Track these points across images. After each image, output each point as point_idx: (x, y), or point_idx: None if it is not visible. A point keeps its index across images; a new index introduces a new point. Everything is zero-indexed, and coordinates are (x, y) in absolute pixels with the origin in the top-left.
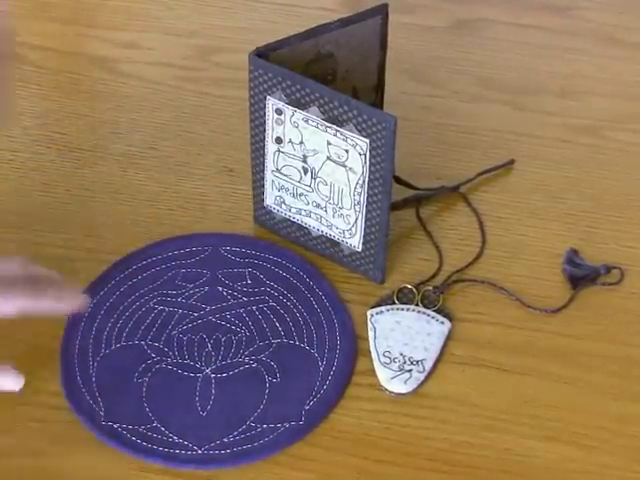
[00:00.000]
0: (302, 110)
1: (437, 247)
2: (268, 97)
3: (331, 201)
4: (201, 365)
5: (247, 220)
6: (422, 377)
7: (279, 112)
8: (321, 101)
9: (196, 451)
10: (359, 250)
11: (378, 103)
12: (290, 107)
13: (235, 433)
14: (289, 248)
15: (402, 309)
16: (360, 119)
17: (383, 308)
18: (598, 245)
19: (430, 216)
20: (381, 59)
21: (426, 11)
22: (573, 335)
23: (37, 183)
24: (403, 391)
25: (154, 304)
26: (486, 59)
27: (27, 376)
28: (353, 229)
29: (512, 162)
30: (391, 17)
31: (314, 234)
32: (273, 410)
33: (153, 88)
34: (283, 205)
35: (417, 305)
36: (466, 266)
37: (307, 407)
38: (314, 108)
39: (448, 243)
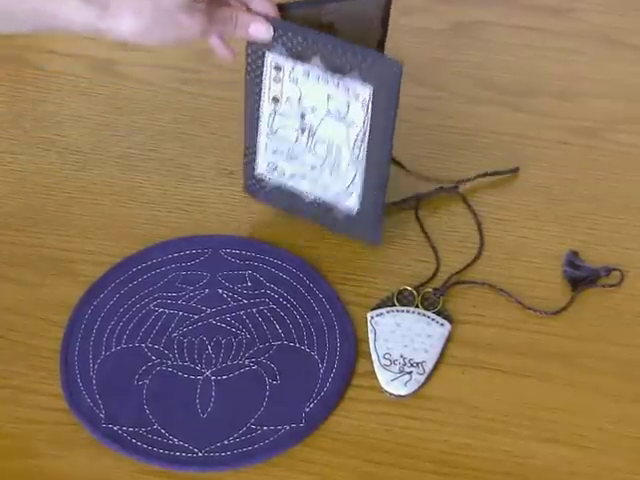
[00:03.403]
0: (303, 63)
1: (436, 249)
2: (267, 53)
3: (328, 160)
4: (201, 367)
5: (247, 222)
6: (422, 379)
7: (278, 68)
8: (324, 51)
9: (196, 453)
10: (354, 213)
11: None
12: (290, 61)
13: (235, 435)
14: (289, 250)
15: (402, 311)
16: (364, 65)
17: (383, 310)
18: (598, 247)
19: (430, 218)
20: (381, 37)
21: (425, 13)
22: (573, 337)
23: (37, 185)
24: (403, 393)
25: (154, 306)
26: (485, 61)
27: (27, 378)
28: (350, 188)
29: (517, 169)
30: (390, 19)
31: (307, 200)
32: (273, 412)
33: (153, 90)
34: (276, 171)
35: (417, 307)
36: (466, 268)
37: (307, 409)
38: (316, 59)
39: (448, 245)
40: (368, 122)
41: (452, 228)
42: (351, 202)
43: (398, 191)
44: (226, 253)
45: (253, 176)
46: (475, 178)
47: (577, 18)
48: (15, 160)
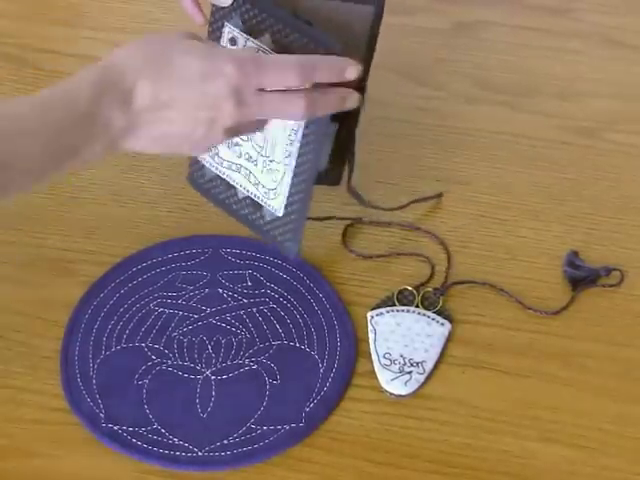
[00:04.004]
0: (255, 39)
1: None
2: (225, 24)
3: (263, 152)
4: (201, 367)
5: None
6: (422, 379)
7: (233, 42)
8: (274, 28)
9: (196, 453)
10: (280, 215)
11: (353, 111)
12: (244, 35)
13: (235, 435)
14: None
15: (402, 311)
16: (306, 50)
17: (383, 310)
18: (598, 247)
19: (430, 218)
20: (366, 60)
21: (426, 13)
22: (573, 337)
23: None
24: (403, 393)
25: (154, 306)
26: (485, 61)
27: (27, 378)
28: (279, 188)
29: (441, 194)
30: (391, 19)
31: (240, 195)
32: (273, 412)
33: None
34: (216, 157)
35: (417, 307)
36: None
37: (307, 409)
38: (267, 36)
39: (448, 245)
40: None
41: (453, 228)
42: (276, 204)
43: (397, 196)
44: (226, 253)
45: (196, 161)
46: (408, 204)
47: (577, 18)
48: None
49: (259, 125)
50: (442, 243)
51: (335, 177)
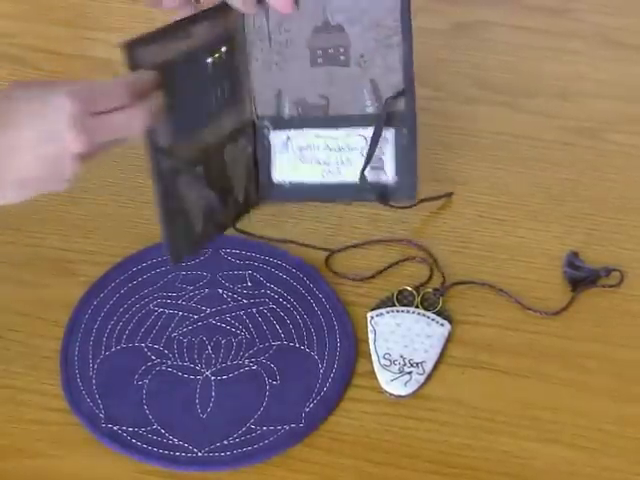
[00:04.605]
0: None
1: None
2: None
3: None
4: (201, 367)
5: (247, 222)
6: (422, 379)
7: None
8: None
9: (196, 453)
10: None
11: (407, 114)
12: None
13: (235, 435)
14: (289, 250)
15: (402, 311)
16: None
17: (383, 310)
18: (598, 247)
19: (430, 218)
20: (406, 52)
21: (426, 14)
22: (573, 337)
23: None
24: (403, 393)
25: (154, 306)
26: (486, 61)
27: (27, 378)
28: None
29: (451, 194)
30: None
31: None
32: (273, 412)
33: None
34: None
35: (417, 307)
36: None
37: (307, 409)
38: None
39: (448, 245)
40: None
41: (453, 228)
42: None
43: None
44: (226, 253)
45: None
46: (418, 203)
47: (577, 18)
48: None
49: (113, 144)
50: (441, 244)
51: (407, 191)
